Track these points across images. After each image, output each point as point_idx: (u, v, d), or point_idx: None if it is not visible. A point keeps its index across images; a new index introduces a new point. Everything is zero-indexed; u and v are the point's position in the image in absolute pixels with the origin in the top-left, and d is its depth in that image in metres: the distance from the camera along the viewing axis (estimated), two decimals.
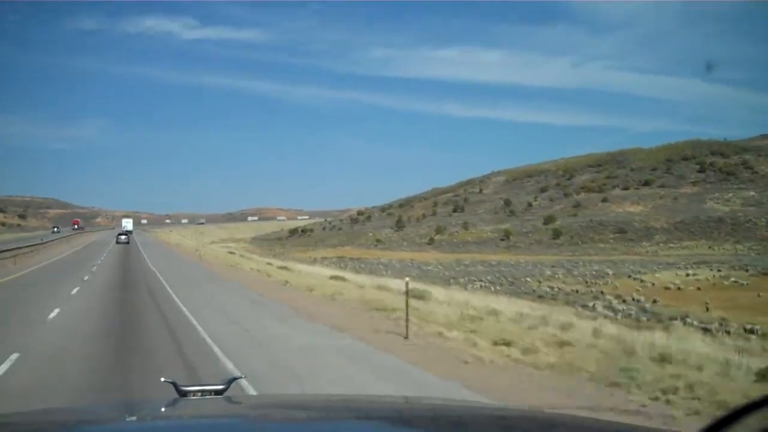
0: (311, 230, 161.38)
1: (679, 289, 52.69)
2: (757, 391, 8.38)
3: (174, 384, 2.79)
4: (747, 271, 62.86)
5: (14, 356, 11.67)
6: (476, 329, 14.61)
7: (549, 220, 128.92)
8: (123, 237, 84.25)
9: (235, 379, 3.15)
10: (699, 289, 52.17)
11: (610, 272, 66.78)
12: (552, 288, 53.16)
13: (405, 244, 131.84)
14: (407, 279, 16.46)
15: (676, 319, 32.35)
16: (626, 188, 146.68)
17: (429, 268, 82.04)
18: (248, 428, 2.18)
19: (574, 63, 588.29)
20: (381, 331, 15.31)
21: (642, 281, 57.98)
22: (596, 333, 14.44)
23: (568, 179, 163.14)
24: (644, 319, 34.33)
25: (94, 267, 40.40)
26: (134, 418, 2.57)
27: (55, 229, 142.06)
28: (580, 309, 35.20)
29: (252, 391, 8.16)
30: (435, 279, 61.11)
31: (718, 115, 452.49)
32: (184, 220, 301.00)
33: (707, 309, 38.50)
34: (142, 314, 18.51)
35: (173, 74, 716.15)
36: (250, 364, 10.89)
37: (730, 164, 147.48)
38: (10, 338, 13.78)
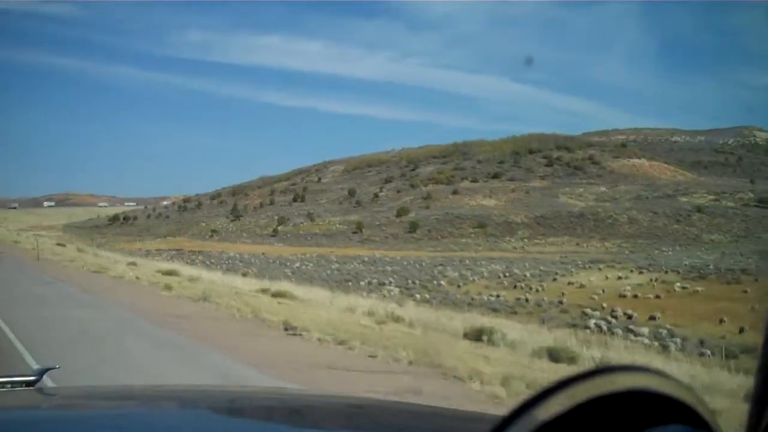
0: (134, 218, 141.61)
1: (635, 297, 43.26)
2: None
3: None
4: (677, 273, 55.21)
5: None
6: None
7: (402, 212, 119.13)
8: None
9: (48, 369, 2.73)
10: (659, 297, 42.96)
11: (526, 274, 56.88)
12: (494, 296, 41.90)
13: (245, 235, 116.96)
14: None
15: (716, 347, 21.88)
16: (475, 180, 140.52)
17: (296, 265, 68.53)
18: (61, 421, 2.03)
19: (392, 58, 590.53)
20: None
21: (580, 286, 48.23)
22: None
23: (412, 170, 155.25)
24: (675, 346, 23.77)
25: None
26: None
27: None
28: (575, 329, 23.70)
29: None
30: (322, 281, 48.12)
31: (524, 114, 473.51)
32: None
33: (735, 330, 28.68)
34: None
35: None
36: None
37: (576, 159, 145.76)
38: None
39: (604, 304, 38.40)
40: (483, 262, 71.70)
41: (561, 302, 38.87)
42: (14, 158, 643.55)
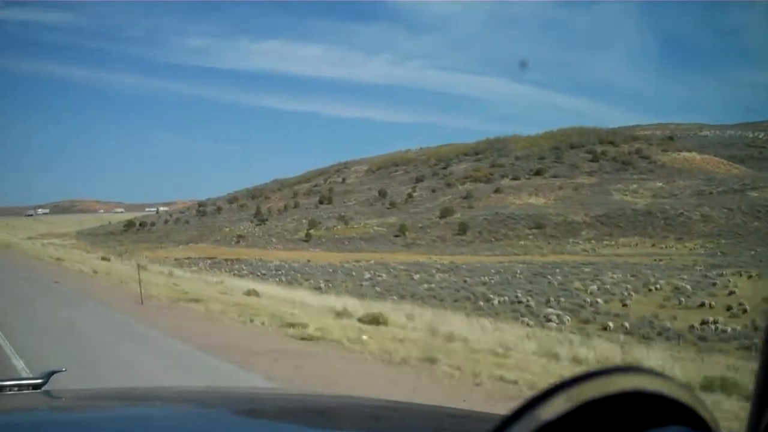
0: (152, 224, 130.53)
1: None
2: None
3: None
4: None
5: None
6: None
7: (446, 212, 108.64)
8: None
9: (54, 372, 2.62)
10: None
11: (683, 285, 46.41)
12: (712, 323, 31.39)
13: (274, 240, 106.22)
14: None
15: None
16: (516, 178, 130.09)
17: (366, 276, 58.01)
18: (67, 423, 2.06)
19: (392, 61, 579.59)
20: None
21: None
22: None
23: (443, 168, 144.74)
24: None
25: None
26: None
27: None
28: None
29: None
30: (438, 301, 38.02)
31: (523, 114, 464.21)
32: None
33: None
34: None
35: None
36: None
37: (622, 153, 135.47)
38: None
39: None
40: (586, 269, 61.21)
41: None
42: (18, 166, 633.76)
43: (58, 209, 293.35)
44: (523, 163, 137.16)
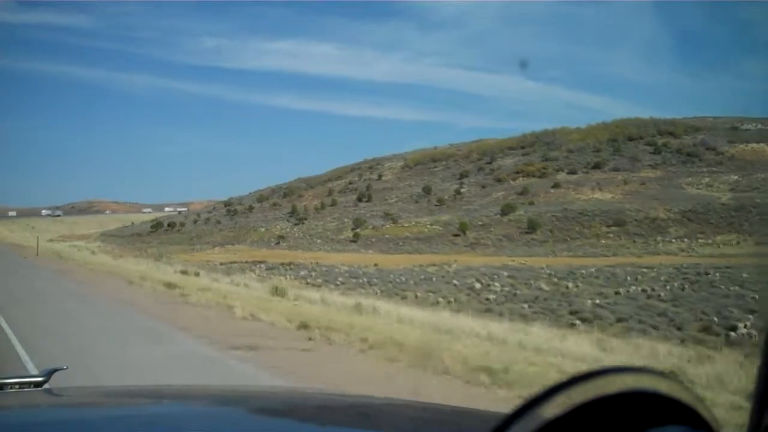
0: (181, 224, 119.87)
1: None
2: None
3: None
4: None
5: None
6: None
7: (507, 209, 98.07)
8: None
9: (56, 369, 2.66)
10: None
11: None
12: None
13: (319, 241, 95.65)
14: None
15: None
16: (572, 172, 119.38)
17: (476, 286, 47.50)
18: (68, 421, 2.02)
19: (406, 59, 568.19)
20: None
21: None
22: None
23: (488, 163, 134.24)
24: None
25: None
26: None
27: None
28: None
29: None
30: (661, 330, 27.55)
31: (534, 110, 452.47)
32: (12, 213, 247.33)
33: None
34: None
35: None
36: None
37: (687, 145, 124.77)
38: None
39: None
40: (717, 275, 50.58)
41: None
42: (32, 167, 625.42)
43: (74, 210, 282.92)
44: (577, 156, 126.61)
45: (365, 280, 51.07)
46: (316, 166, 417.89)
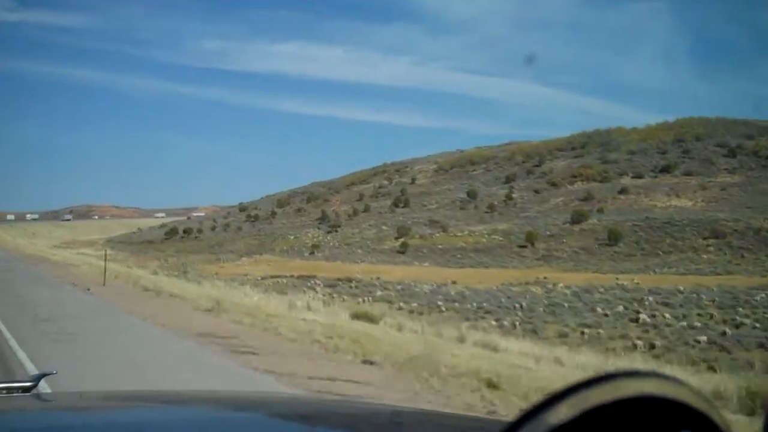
0: (199, 231, 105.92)
1: None
2: None
3: None
4: None
5: None
6: None
7: (578, 217, 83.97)
8: None
9: (45, 375, 2.70)
10: None
11: None
12: None
13: (359, 251, 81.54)
14: None
15: None
16: (638, 176, 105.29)
17: (642, 318, 33.46)
18: (57, 427, 2.04)
19: (415, 63, 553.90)
20: None
21: None
22: None
23: (536, 166, 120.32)
24: None
25: None
26: None
27: None
28: None
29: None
30: None
31: (546, 116, 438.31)
32: (10, 216, 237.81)
33: None
34: None
35: None
36: None
37: (764, 147, 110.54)
38: None
39: None
40: None
41: None
42: (30, 170, 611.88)
43: (74, 215, 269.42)
44: (641, 158, 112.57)
45: (473, 304, 37.11)
46: (323, 171, 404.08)
